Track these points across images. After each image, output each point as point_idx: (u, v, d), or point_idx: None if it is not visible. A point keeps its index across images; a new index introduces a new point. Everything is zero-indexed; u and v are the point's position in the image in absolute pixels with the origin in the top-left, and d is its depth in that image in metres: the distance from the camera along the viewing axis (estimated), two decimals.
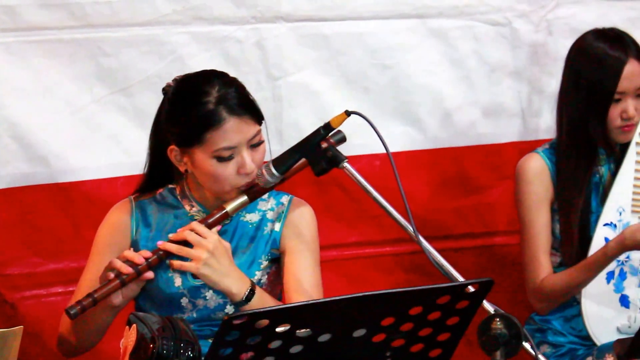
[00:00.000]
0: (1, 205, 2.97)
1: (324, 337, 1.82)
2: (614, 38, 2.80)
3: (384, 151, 2.22)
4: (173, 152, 2.37)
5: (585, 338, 2.83)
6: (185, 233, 2.29)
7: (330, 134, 2.28)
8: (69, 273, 3.00)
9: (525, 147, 3.14)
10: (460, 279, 2.08)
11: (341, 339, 1.83)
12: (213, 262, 2.27)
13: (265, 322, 1.75)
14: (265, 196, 2.47)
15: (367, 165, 3.19)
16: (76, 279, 2.51)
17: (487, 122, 3.36)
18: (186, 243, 2.29)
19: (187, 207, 2.45)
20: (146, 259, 2.27)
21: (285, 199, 2.49)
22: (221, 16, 3.06)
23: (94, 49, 2.97)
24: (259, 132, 2.34)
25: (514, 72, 3.35)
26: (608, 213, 2.81)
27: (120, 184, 3.02)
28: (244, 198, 2.35)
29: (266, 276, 2.43)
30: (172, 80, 2.41)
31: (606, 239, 2.77)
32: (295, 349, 1.81)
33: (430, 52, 3.27)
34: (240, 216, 2.46)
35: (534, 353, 2.00)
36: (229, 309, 2.38)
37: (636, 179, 2.82)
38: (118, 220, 2.46)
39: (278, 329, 1.77)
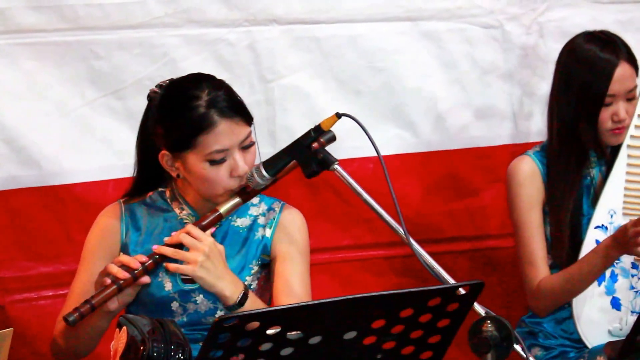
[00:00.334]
0: None
1: (315, 340, 1.81)
2: (605, 41, 2.80)
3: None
4: (165, 157, 2.37)
5: (577, 341, 2.83)
6: (180, 236, 2.29)
7: (321, 136, 2.28)
8: (60, 276, 2.99)
9: (517, 150, 3.15)
10: (451, 281, 2.08)
11: (332, 341, 1.83)
12: (209, 264, 2.27)
13: (255, 324, 1.75)
14: (256, 201, 2.48)
15: (360, 168, 3.19)
16: (67, 282, 2.51)
17: (479, 125, 3.37)
18: (181, 246, 2.29)
19: (177, 210, 2.45)
20: (142, 263, 2.27)
21: (276, 204, 2.49)
22: (214, 19, 3.06)
23: (86, 52, 2.97)
24: (249, 133, 2.35)
25: (505, 75, 3.36)
26: (599, 215, 2.81)
27: (112, 186, 3.02)
28: (237, 199, 2.35)
29: (256, 281, 2.43)
30: (157, 86, 2.40)
31: (597, 241, 2.77)
32: (286, 351, 1.80)
33: (422, 55, 3.27)
34: (230, 221, 2.46)
35: (525, 356, 1.99)
36: (220, 314, 2.38)
37: (627, 181, 2.82)
38: (108, 225, 2.45)
39: (269, 332, 1.76)
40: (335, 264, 3.30)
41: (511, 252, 2.98)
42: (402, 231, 2.15)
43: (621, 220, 2.79)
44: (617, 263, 2.79)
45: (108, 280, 2.24)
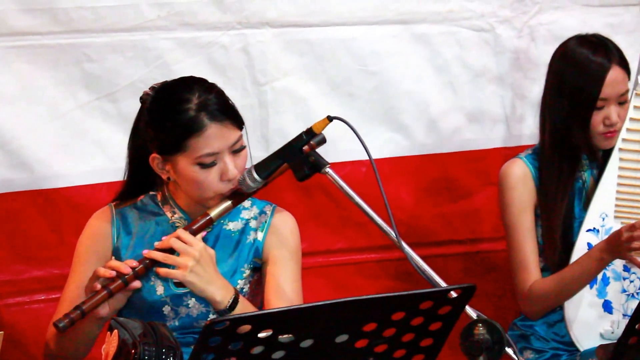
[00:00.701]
0: None
1: (307, 343, 1.81)
2: (597, 44, 2.80)
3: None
4: (155, 160, 2.37)
5: (569, 344, 2.83)
6: (171, 241, 2.28)
7: (312, 139, 2.28)
8: (52, 280, 2.99)
9: (510, 153, 3.15)
10: (443, 284, 2.08)
11: (324, 344, 1.82)
12: (199, 269, 2.26)
13: (247, 327, 1.75)
14: (247, 204, 2.47)
15: (353, 171, 3.19)
16: (59, 286, 2.50)
17: (472, 128, 3.37)
18: (172, 251, 2.29)
19: (169, 214, 2.44)
20: (133, 268, 2.26)
21: (268, 208, 2.49)
22: (206, 22, 3.06)
23: (79, 55, 2.97)
24: (240, 137, 2.34)
25: (497, 78, 3.37)
26: (591, 219, 2.81)
27: (105, 190, 3.01)
28: (228, 203, 2.35)
29: (248, 285, 2.43)
30: (150, 89, 2.40)
31: (589, 245, 2.78)
32: (278, 354, 1.80)
33: (414, 58, 3.28)
34: (222, 224, 2.45)
35: (516, 359, 1.99)
36: (212, 317, 2.37)
37: (619, 184, 2.83)
38: (99, 229, 2.45)
39: (260, 335, 1.76)
40: (328, 268, 3.30)
41: (504, 255, 2.98)
42: (394, 234, 2.15)
43: (613, 224, 2.79)
44: (609, 266, 2.79)
45: (98, 286, 2.23)
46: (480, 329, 1.86)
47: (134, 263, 2.27)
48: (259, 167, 2.31)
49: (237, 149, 2.33)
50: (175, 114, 2.30)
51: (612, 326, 2.80)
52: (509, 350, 1.95)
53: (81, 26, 2.94)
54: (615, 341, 2.53)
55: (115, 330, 2.11)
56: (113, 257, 2.38)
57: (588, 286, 2.79)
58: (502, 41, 3.34)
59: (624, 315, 2.80)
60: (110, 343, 2.11)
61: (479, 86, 3.35)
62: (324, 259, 3.29)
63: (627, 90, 2.81)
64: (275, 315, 1.79)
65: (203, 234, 2.34)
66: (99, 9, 2.95)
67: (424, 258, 2.15)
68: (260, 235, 2.45)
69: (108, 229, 2.44)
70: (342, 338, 1.83)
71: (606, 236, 2.76)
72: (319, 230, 3.27)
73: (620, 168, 2.83)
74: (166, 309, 2.39)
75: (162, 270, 2.27)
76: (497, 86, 3.37)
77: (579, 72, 2.77)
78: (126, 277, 2.24)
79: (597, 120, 2.78)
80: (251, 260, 2.44)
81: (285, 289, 2.38)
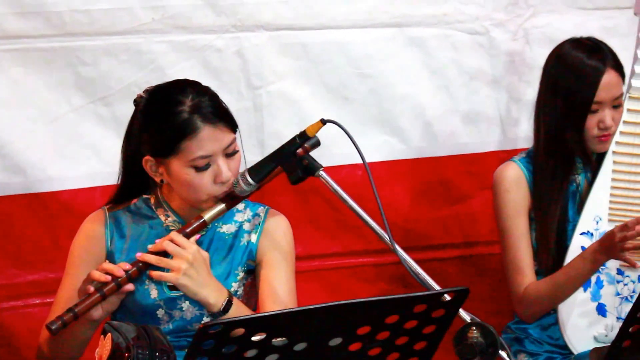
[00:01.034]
0: None
1: (300, 346, 1.81)
2: (591, 47, 2.80)
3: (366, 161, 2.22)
4: (148, 163, 2.36)
5: (563, 347, 2.83)
6: (164, 244, 2.28)
7: (306, 142, 2.28)
8: (46, 284, 2.99)
9: (505, 156, 3.15)
10: (437, 287, 2.07)
11: (317, 347, 1.82)
12: (192, 272, 2.26)
13: (240, 331, 1.75)
14: (241, 207, 2.47)
15: (348, 175, 3.19)
16: (54, 290, 2.49)
17: (467, 131, 3.38)
18: (165, 254, 2.28)
19: (162, 217, 2.44)
20: (126, 271, 2.25)
21: (261, 210, 2.49)
22: (201, 25, 3.06)
23: (72, 58, 2.97)
24: (234, 140, 2.34)
25: (492, 81, 3.37)
26: (585, 222, 2.81)
27: (99, 193, 3.02)
28: (222, 206, 2.34)
29: (242, 287, 2.43)
30: (144, 92, 2.40)
31: (583, 248, 2.77)
32: (271, 357, 1.80)
33: (409, 61, 3.28)
34: (216, 227, 2.45)
35: None
36: (206, 320, 2.37)
37: (613, 187, 2.83)
38: (92, 232, 2.44)
39: (254, 338, 1.76)
40: (324, 271, 3.30)
41: (500, 259, 2.98)
42: (387, 237, 2.14)
43: (607, 227, 2.79)
44: (602, 269, 2.79)
45: (91, 288, 2.23)
46: (474, 332, 1.86)
47: (127, 266, 2.26)
48: (252, 170, 2.31)
49: (230, 152, 2.33)
50: (168, 117, 2.30)
51: (606, 329, 2.80)
52: (503, 354, 1.95)
53: (75, 29, 2.94)
54: (609, 344, 2.54)
55: (109, 334, 2.11)
56: (106, 261, 2.37)
57: (582, 289, 2.78)
58: (497, 44, 3.35)
59: (618, 318, 2.80)
60: (104, 346, 2.11)
61: (474, 89, 3.36)
62: (319, 263, 3.29)
63: (622, 94, 2.80)
64: (269, 318, 1.79)
65: (197, 236, 2.34)
66: (92, 12, 2.95)
67: (420, 262, 2.15)
68: (254, 238, 2.45)
69: (102, 232, 2.43)
70: (336, 341, 1.83)
71: None
72: (315, 233, 3.27)
73: (614, 171, 2.83)
74: (160, 313, 2.39)
75: (155, 273, 2.27)
76: (492, 89, 3.38)
77: (573, 75, 2.77)
78: (119, 279, 2.24)
79: (592, 123, 2.77)
80: (245, 263, 2.44)
81: (278, 292, 2.38)
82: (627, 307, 2.75)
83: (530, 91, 3.25)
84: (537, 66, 2.92)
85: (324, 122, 2.25)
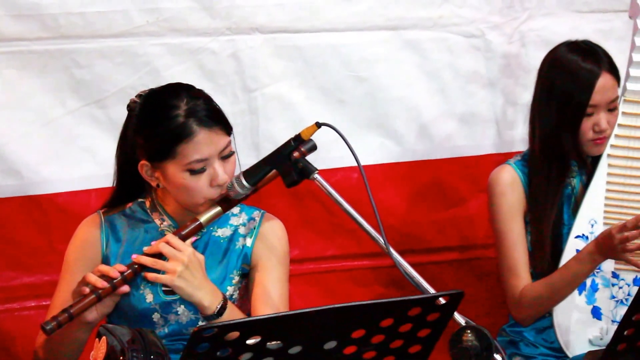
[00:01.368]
0: None
1: (295, 350, 1.81)
2: (587, 51, 2.80)
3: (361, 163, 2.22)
4: (144, 167, 2.36)
5: (558, 350, 2.83)
6: (160, 246, 2.28)
7: (301, 146, 2.27)
8: (42, 287, 2.98)
9: (501, 159, 3.14)
10: (432, 291, 2.07)
11: (312, 351, 1.82)
12: (187, 274, 2.26)
13: (235, 334, 1.74)
14: (236, 211, 2.47)
15: (344, 178, 3.19)
16: (49, 292, 2.49)
17: (463, 134, 3.38)
18: (161, 256, 2.28)
19: (158, 221, 2.44)
20: (121, 272, 2.25)
21: (257, 214, 2.49)
22: (196, 27, 3.06)
23: (67, 61, 2.97)
24: (229, 143, 2.34)
25: (488, 84, 3.37)
26: (580, 225, 2.81)
27: (94, 196, 3.02)
28: (217, 209, 2.34)
29: (238, 291, 2.43)
30: (137, 96, 2.40)
31: (577, 251, 2.77)
32: None
33: (405, 64, 3.28)
34: (212, 231, 2.45)
35: None
36: (201, 324, 2.36)
37: (608, 190, 2.83)
38: (88, 236, 2.44)
39: (248, 342, 1.76)
40: (320, 274, 3.30)
41: (496, 262, 2.97)
42: (382, 240, 2.14)
43: (601, 230, 2.78)
44: (597, 272, 2.79)
45: (87, 290, 2.22)
46: (468, 336, 1.86)
47: (123, 268, 2.26)
48: (247, 173, 2.31)
49: (226, 155, 2.33)
50: (163, 121, 2.30)
51: (601, 332, 2.80)
52: (498, 357, 1.94)
53: (70, 32, 2.94)
54: (604, 347, 2.54)
55: (104, 337, 2.11)
56: (101, 263, 2.36)
57: (577, 292, 2.78)
58: (493, 47, 3.35)
59: (613, 321, 2.80)
60: (99, 349, 2.11)
61: (469, 92, 3.35)
62: (315, 266, 3.29)
63: (617, 97, 2.80)
64: (264, 321, 1.79)
65: (193, 239, 2.34)
66: (87, 14, 2.94)
67: (416, 265, 2.15)
68: (249, 242, 2.45)
69: (97, 236, 2.43)
70: (331, 345, 1.83)
71: None
72: (311, 236, 3.27)
73: (609, 174, 2.83)
74: (156, 317, 2.39)
75: (151, 275, 2.27)
76: (488, 92, 3.38)
77: (568, 78, 2.77)
78: (115, 281, 2.23)
79: (587, 126, 2.77)
80: (240, 267, 2.44)
81: (271, 295, 2.38)
82: (622, 310, 2.75)
83: (526, 94, 3.24)
84: (533, 69, 2.92)
85: (319, 125, 2.25)
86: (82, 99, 3.01)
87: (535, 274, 2.83)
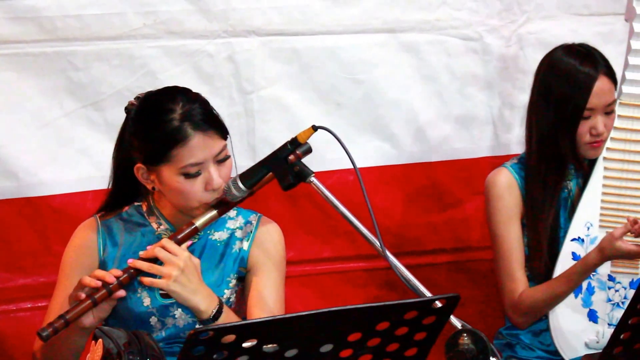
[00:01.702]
0: None
1: (291, 353, 1.81)
2: (584, 54, 2.80)
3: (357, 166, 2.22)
4: (140, 170, 2.36)
5: (554, 353, 2.83)
6: (155, 250, 2.27)
7: (297, 149, 2.27)
8: (38, 288, 2.98)
9: (498, 162, 3.14)
10: (428, 294, 2.07)
11: (308, 354, 1.82)
12: (183, 279, 2.25)
13: (231, 337, 1.74)
14: (233, 214, 2.47)
15: (340, 180, 3.19)
16: (46, 294, 2.49)
17: (460, 137, 3.38)
18: (157, 260, 2.28)
19: (155, 225, 2.44)
20: (117, 277, 2.24)
21: (253, 217, 2.49)
22: (192, 30, 3.06)
23: (64, 63, 2.96)
24: (224, 147, 2.34)
25: (485, 87, 3.37)
26: (576, 228, 2.81)
27: (91, 198, 3.01)
28: (213, 212, 2.34)
29: (234, 295, 2.43)
30: (135, 99, 2.40)
31: (573, 254, 2.78)
32: None
33: (402, 67, 3.28)
34: (208, 235, 2.45)
35: None
36: (198, 327, 2.36)
37: (604, 193, 2.83)
38: (85, 241, 2.44)
39: (245, 345, 1.76)
40: (316, 276, 3.30)
41: (492, 265, 2.98)
42: (378, 243, 2.14)
43: (598, 233, 2.79)
44: (594, 275, 2.80)
45: (83, 295, 2.22)
46: (465, 339, 1.86)
47: (119, 272, 2.26)
48: (244, 176, 2.31)
49: (221, 159, 2.33)
50: (159, 124, 2.29)
51: (597, 336, 2.80)
52: None
53: (66, 34, 2.94)
54: (600, 351, 2.55)
55: (100, 340, 2.11)
56: (98, 268, 2.36)
57: (573, 295, 2.79)
58: (491, 50, 3.34)
59: (609, 324, 2.81)
60: (95, 352, 2.11)
61: (467, 95, 3.35)
62: (311, 268, 3.29)
63: (614, 101, 2.80)
64: (260, 325, 1.79)
65: (188, 243, 2.34)
66: (84, 17, 2.94)
67: (411, 267, 2.15)
68: (245, 245, 2.45)
69: (94, 241, 2.43)
70: (327, 348, 1.83)
71: (591, 245, 2.77)
72: (307, 239, 3.27)
73: (605, 177, 2.83)
74: (153, 320, 2.39)
75: (147, 280, 2.26)
76: (485, 95, 3.38)
77: (565, 82, 2.77)
78: (110, 286, 2.23)
79: (584, 130, 2.77)
80: (237, 270, 2.43)
81: (267, 299, 2.38)
82: (619, 314, 2.75)
83: (524, 97, 3.23)
84: (531, 72, 2.91)
85: (315, 128, 2.25)
86: (78, 101, 3.01)
87: (532, 277, 2.83)
